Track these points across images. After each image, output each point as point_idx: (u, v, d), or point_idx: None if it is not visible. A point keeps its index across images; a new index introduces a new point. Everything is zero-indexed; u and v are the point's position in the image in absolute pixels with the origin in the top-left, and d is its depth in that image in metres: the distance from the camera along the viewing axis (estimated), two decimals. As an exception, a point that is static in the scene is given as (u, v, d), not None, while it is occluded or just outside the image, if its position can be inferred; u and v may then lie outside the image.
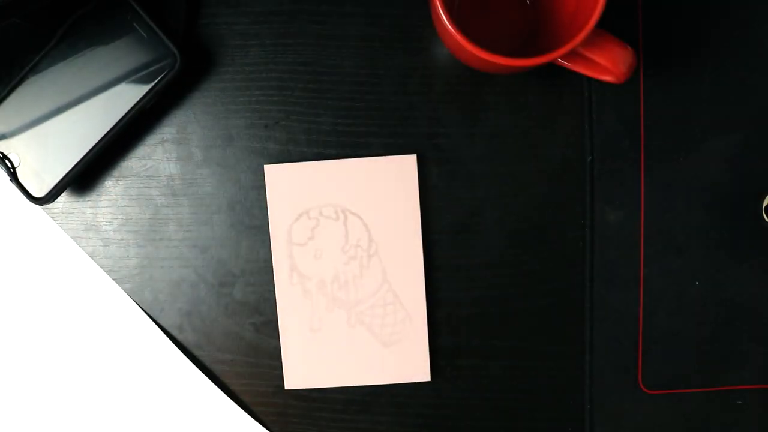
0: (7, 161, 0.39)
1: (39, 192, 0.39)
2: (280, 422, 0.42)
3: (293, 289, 0.41)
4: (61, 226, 0.42)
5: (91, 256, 0.42)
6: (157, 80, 0.38)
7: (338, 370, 0.41)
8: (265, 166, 0.40)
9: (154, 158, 0.42)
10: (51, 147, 0.39)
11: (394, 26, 0.41)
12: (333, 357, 0.41)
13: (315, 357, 0.41)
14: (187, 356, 0.42)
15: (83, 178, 0.42)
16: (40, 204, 0.39)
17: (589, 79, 0.41)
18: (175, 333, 0.42)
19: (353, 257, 0.40)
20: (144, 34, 0.38)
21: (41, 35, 0.39)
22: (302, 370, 0.41)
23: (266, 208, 0.41)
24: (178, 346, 0.42)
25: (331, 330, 0.41)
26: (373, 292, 0.41)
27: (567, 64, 0.37)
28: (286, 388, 0.41)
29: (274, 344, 0.42)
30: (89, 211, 0.42)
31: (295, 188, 0.40)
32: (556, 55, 0.33)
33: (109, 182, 0.42)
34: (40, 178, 0.39)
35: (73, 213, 0.42)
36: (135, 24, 0.38)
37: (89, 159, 0.39)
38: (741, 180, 0.42)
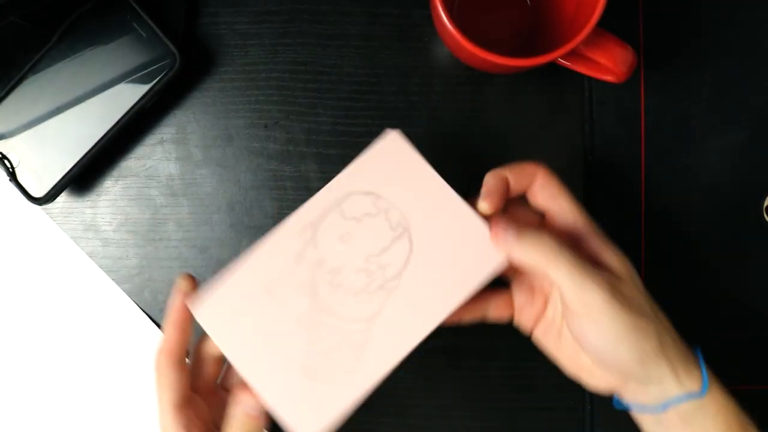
0: (6, 161, 0.39)
1: (38, 192, 0.39)
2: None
3: (293, 242, 0.34)
4: (60, 226, 0.42)
5: (90, 256, 0.42)
6: (156, 80, 0.38)
7: (246, 350, 0.33)
8: (392, 132, 0.34)
9: (153, 158, 0.42)
10: (50, 147, 0.39)
11: (394, 26, 0.41)
12: (255, 335, 0.33)
13: (242, 317, 0.33)
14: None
15: (82, 178, 0.41)
16: (40, 204, 0.39)
17: (589, 79, 0.41)
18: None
19: (369, 273, 0.34)
20: (143, 34, 0.38)
21: (41, 35, 0.39)
22: (221, 315, 0.33)
23: (267, 208, 0.41)
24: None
25: (279, 312, 0.33)
26: (349, 320, 0.33)
27: (567, 64, 0.37)
28: (193, 312, 0.33)
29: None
30: (88, 211, 0.42)
31: (394, 170, 0.34)
32: (556, 55, 0.33)
33: (109, 182, 0.42)
34: (40, 178, 0.39)
35: (72, 213, 0.42)
36: (134, 24, 0.38)
37: (89, 159, 0.39)
38: (741, 180, 0.42)
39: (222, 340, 0.33)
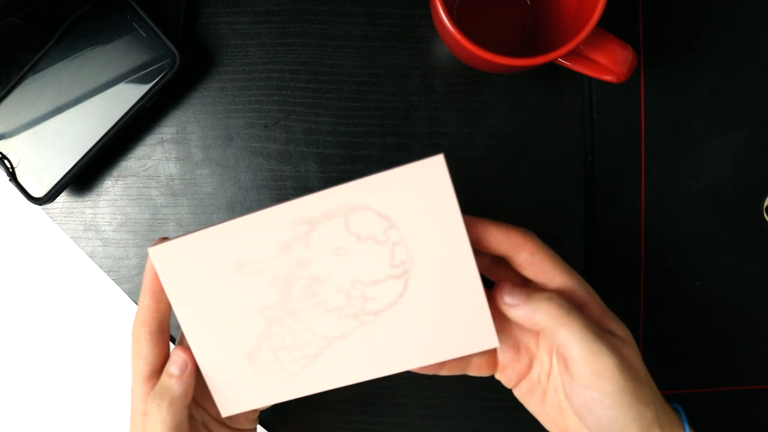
0: (6, 161, 0.39)
1: (38, 192, 0.39)
2: (280, 422, 0.42)
3: (281, 228, 0.30)
4: (60, 226, 0.42)
5: (90, 256, 0.42)
6: (156, 80, 0.38)
7: (195, 328, 0.32)
8: (150, 250, 0.30)
9: (153, 158, 0.42)
10: (50, 147, 0.39)
11: (394, 26, 0.41)
12: (215, 313, 0.31)
13: (206, 285, 0.31)
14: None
15: (82, 178, 0.41)
16: (40, 204, 0.39)
17: (589, 79, 0.41)
18: (174, 333, 0.42)
19: (348, 297, 0.31)
20: (143, 34, 0.38)
21: (41, 35, 0.39)
22: (182, 271, 0.31)
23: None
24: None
25: (245, 296, 0.31)
26: (313, 332, 0.31)
27: (567, 64, 0.37)
28: (149, 250, 0.31)
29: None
30: (89, 211, 0.42)
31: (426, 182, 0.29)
32: (556, 55, 0.33)
33: (109, 182, 0.42)
34: (40, 178, 0.39)
35: (72, 213, 0.42)
36: (134, 24, 0.38)
37: (89, 159, 0.39)
38: (741, 180, 0.42)
39: (172, 288, 0.31)
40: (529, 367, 0.34)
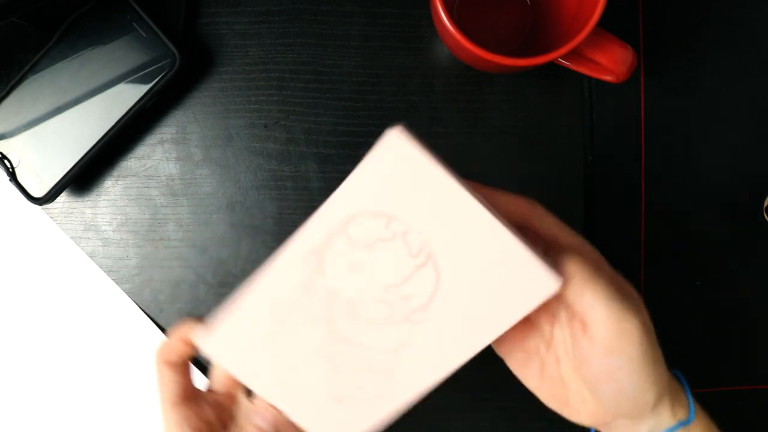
0: (6, 161, 0.39)
1: (38, 192, 0.39)
2: (279, 422, 0.42)
3: (298, 271, 0.29)
4: (60, 226, 0.42)
5: (90, 256, 0.42)
6: (156, 80, 0.38)
7: (266, 379, 0.31)
8: (395, 133, 0.27)
9: (153, 158, 0.42)
10: (50, 147, 0.39)
11: (394, 26, 0.41)
12: (273, 363, 0.31)
13: (255, 347, 0.30)
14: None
15: (83, 178, 0.41)
16: (40, 204, 0.39)
17: (589, 79, 0.41)
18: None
19: (389, 304, 0.29)
20: (143, 34, 0.38)
21: (41, 35, 0.39)
22: (234, 346, 0.30)
23: (267, 208, 0.41)
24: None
25: (294, 342, 0.30)
26: (375, 351, 0.30)
27: (567, 64, 0.37)
28: (201, 346, 0.31)
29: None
30: (89, 211, 0.42)
31: (408, 183, 0.28)
32: (556, 55, 0.33)
33: (109, 182, 0.42)
34: (40, 178, 0.39)
35: (72, 213, 0.42)
36: (134, 24, 0.38)
37: (89, 159, 0.39)
38: (741, 180, 0.42)
39: (238, 370, 0.31)
40: (525, 334, 0.32)
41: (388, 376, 0.30)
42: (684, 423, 0.30)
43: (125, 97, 0.39)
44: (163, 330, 0.42)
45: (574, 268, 0.27)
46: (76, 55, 0.39)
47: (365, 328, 0.29)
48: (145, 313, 0.42)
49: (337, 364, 0.30)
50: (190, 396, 0.32)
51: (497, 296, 0.28)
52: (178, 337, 0.32)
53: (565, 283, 0.27)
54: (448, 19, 0.33)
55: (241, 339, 0.30)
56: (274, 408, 0.31)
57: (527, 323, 0.32)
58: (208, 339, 0.30)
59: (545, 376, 0.32)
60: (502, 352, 0.33)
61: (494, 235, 0.27)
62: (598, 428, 0.31)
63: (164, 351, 0.32)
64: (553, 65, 0.36)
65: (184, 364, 0.33)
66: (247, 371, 0.31)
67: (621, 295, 0.27)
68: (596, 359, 0.28)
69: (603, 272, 0.27)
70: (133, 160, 0.42)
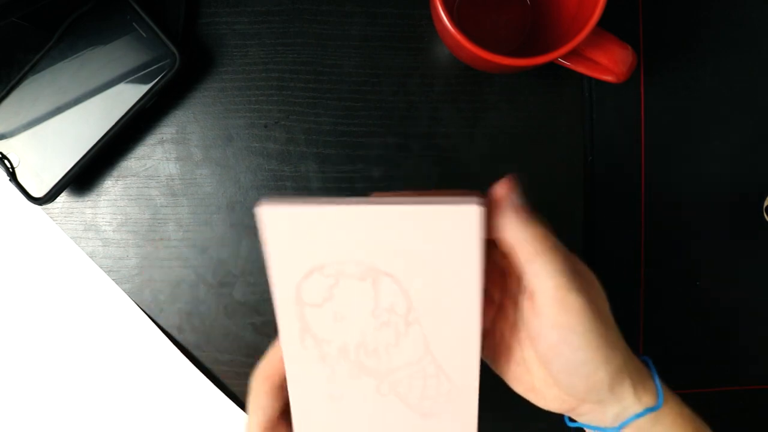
0: (6, 161, 0.39)
1: (38, 192, 0.39)
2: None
3: (306, 354, 0.31)
4: (60, 226, 0.42)
5: (90, 256, 0.42)
6: (156, 80, 0.38)
7: None
8: (262, 209, 0.28)
9: (153, 158, 0.42)
10: (50, 147, 0.39)
11: (394, 26, 0.41)
12: (357, 428, 0.33)
13: (335, 428, 0.33)
14: (186, 356, 0.42)
15: (83, 178, 0.41)
16: (40, 204, 0.39)
17: (589, 79, 0.41)
18: (174, 333, 0.42)
19: (386, 323, 0.31)
20: (143, 34, 0.38)
21: (41, 35, 0.39)
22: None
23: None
24: (177, 347, 0.42)
25: (357, 399, 0.32)
26: (411, 363, 0.32)
27: (567, 64, 0.37)
28: None
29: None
30: (89, 211, 0.42)
31: (304, 238, 0.29)
32: (556, 55, 0.33)
33: (109, 182, 0.42)
34: (40, 178, 0.39)
35: (72, 213, 0.42)
36: (134, 24, 0.38)
37: (89, 159, 0.39)
38: (741, 180, 0.42)
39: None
40: (493, 322, 0.33)
41: (442, 371, 0.32)
42: (652, 409, 0.30)
43: (125, 97, 0.39)
44: (163, 330, 0.42)
45: (537, 230, 0.29)
46: (76, 55, 0.39)
47: (390, 353, 0.31)
48: (145, 312, 0.42)
49: (402, 393, 0.32)
50: (278, 422, 0.32)
51: (448, 252, 0.29)
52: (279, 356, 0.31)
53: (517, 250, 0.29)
54: (448, 19, 0.33)
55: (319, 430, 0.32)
56: None
57: (493, 307, 0.33)
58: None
59: (511, 360, 0.33)
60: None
61: (401, 215, 0.28)
62: (567, 413, 0.32)
63: (267, 370, 0.31)
64: (553, 65, 0.36)
65: (282, 387, 0.32)
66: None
67: (571, 271, 0.28)
68: (542, 335, 0.29)
69: (557, 250, 0.29)
70: (133, 160, 0.42)
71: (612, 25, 0.34)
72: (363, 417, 0.32)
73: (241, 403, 0.42)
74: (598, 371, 0.29)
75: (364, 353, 0.31)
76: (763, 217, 0.42)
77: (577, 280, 0.28)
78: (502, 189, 0.30)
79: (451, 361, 0.32)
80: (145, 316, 0.42)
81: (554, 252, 0.28)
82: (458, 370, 0.32)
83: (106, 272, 0.42)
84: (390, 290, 0.30)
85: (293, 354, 0.31)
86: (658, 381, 0.31)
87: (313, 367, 0.31)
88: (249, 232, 0.42)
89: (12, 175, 0.39)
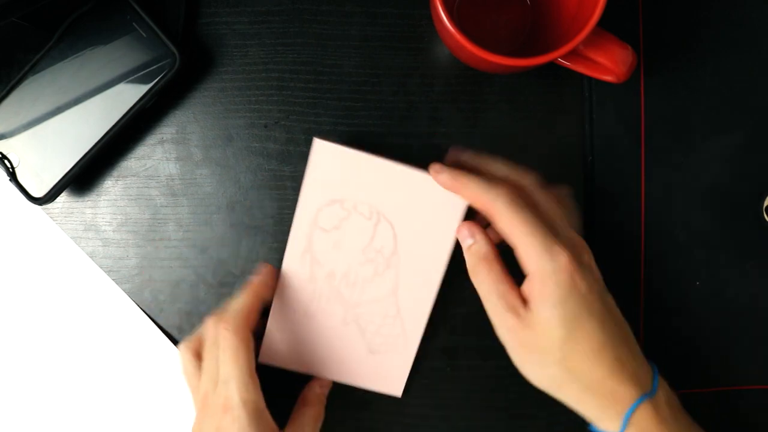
0: (6, 161, 0.39)
1: (38, 192, 0.39)
2: (281, 423, 0.42)
3: (301, 269, 0.39)
4: (60, 226, 0.42)
5: (90, 256, 0.42)
6: (156, 80, 0.38)
7: (316, 360, 0.40)
8: (316, 140, 0.37)
9: (153, 158, 0.42)
10: (50, 147, 0.39)
11: (394, 26, 0.41)
12: (316, 346, 0.40)
13: (298, 341, 0.40)
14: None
15: (83, 178, 0.41)
16: (40, 204, 0.39)
17: (589, 79, 0.41)
18: (174, 333, 0.42)
19: (371, 261, 0.39)
20: (143, 34, 0.38)
21: (41, 35, 0.39)
22: (281, 349, 0.40)
23: (267, 208, 0.41)
24: (177, 346, 0.42)
25: (324, 321, 0.39)
26: (378, 300, 0.39)
27: (567, 64, 0.37)
28: (258, 360, 0.39)
29: (273, 344, 0.42)
30: (89, 211, 0.42)
31: (339, 173, 0.37)
32: (556, 55, 0.33)
33: (109, 182, 0.42)
34: (40, 178, 0.39)
35: (72, 213, 0.42)
36: (134, 24, 0.38)
37: (89, 159, 0.39)
38: (741, 180, 0.42)
39: (293, 366, 0.41)
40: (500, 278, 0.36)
41: (400, 314, 0.39)
42: (649, 395, 0.33)
43: (125, 97, 0.39)
44: (163, 330, 0.42)
45: (501, 202, 0.34)
46: (76, 55, 0.39)
47: (364, 287, 0.39)
48: (145, 312, 0.42)
49: (361, 326, 0.40)
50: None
51: (437, 220, 0.38)
52: (254, 295, 0.37)
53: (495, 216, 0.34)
54: (448, 19, 0.33)
55: (285, 340, 0.40)
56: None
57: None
58: (261, 354, 0.40)
59: (516, 326, 0.35)
60: (482, 293, 0.36)
61: (413, 178, 0.37)
62: (553, 392, 0.35)
63: (244, 313, 0.36)
64: (553, 65, 0.36)
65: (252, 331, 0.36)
66: (299, 362, 0.40)
67: (547, 235, 0.33)
68: (532, 290, 0.33)
69: (530, 209, 0.34)
70: (133, 160, 0.42)
71: (612, 25, 0.34)
72: (323, 339, 0.40)
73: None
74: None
75: (345, 283, 0.39)
76: (763, 217, 0.42)
77: (558, 242, 0.33)
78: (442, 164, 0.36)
79: (409, 307, 0.39)
80: (145, 316, 0.42)
81: (524, 213, 0.33)
82: (412, 317, 0.40)
83: (106, 272, 0.42)
84: (385, 234, 0.38)
85: (291, 266, 0.39)
86: (656, 373, 0.34)
87: (302, 283, 0.39)
88: (249, 232, 0.42)
89: (12, 175, 0.39)
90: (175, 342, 0.42)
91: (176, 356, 0.42)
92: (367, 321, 0.39)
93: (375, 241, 0.38)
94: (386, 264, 0.39)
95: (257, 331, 0.37)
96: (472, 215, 0.38)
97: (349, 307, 0.39)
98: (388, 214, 0.38)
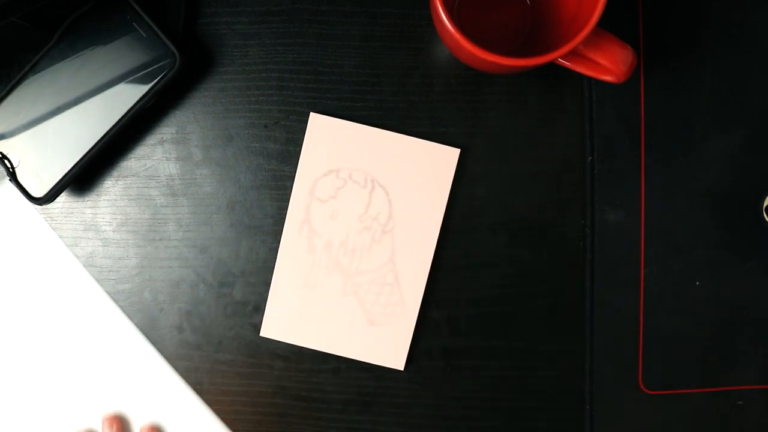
0: (6, 161, 0.39)
1: (38, 192, 0.39)
2: (280, 422, 0.42)
3: (299, 241, 0.40)
4: (60, 226, 0.42)
5: (90, 257, 0.42)
6: (156, 80, 0.38)
7: (317, 333, 0.41)
8: (312, 114, 0.39)
9: (153, 158, 0.42)
10: (50, 147, 0.39)
11: (394, 26, 0.41)
12: (316, 319, 0.41)
13: (299, 313, 0.41)
14: (185, 356, 0.42)
15: (83, 178, 0.42)
16: (40, 204, 0.39)
17: (589, 79, 0.41)
18: (174, 333, 0.42)
19: (368, 228, 0.40)
20: (143, 34, 0.38)
21: (41, 35, 0.39)
22: (283, 322, 0.41)
23: (267, 208, 0.41)
24: (177, 346, 0.42)
25: (324, 292, 0.41)
26: (376, 268, 0.40)
27: (567, 64, 0.37)
28: (260, 334, 0.41)
29: (273, 344, 0.42)
30: (89, 211, 0.42)
31: (333, 144, 0.40)
32: (556, 55, 0.33)
33: (109, 182, 0.42)
34: (40, 178, 0.39)
35: (72, 213, 0.42)
36: (135, 24, 0.38)
37: (89, 159, 0.39)
38: (741, 180, 0.42)
39: (294, 339, 0.41)
40: None
41: (398, 281, 0.41)
42: None
43: (125, 97, 0.39)
44: (163, 330, 0.42)
45: None
46: (76, 55, 0.39)
47: (362, 255, 0.40)
48: (138, 330, 0.42)
49: (360, 295, 0.41)
50: None
51: (430, 180, 0.40)
52: None
53: None
54: (448, 20, 0.33)
55: (285, 314, 0.41)
56: None
57: None
58: (263, 328, 0.41)
59: None
60: None
61: (404, 144, 0.40)
62: None
63: None
64: (553, 65, 0.36)
65: None
66: (301, 335, 0.41)
67: None
68: None
69: None
70: (133, 160, 0.42)
71: (612, 25, 0.34)
72: (323, 309, 0.41)
73: (243, 403, 0.42)
74: None
75: (343, 252, 0.40)
76: (763, 217, 0.42)
77: None
78: None
79: (407, 275, 0.41)
80: (137, 331, 0.42)
81: None
82: (410, 284, 0.41)
83: (106, 272, 0.42)
84: (380, 200, 0.40)
85: (290, 238, 0.40)
86: None
87: (301, 254, 0.40)
88: (249, 232, 0.42)
89: (12, 175, 0.39)
90: (175, 342, 0.42)
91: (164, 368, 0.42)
92: (366, 290, 0.40)
93: (371, 209, 0.40)
94: (382, 231, 0.40)
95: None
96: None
97: (348, 277, 0.40)
98: (382, 180, 0.40)
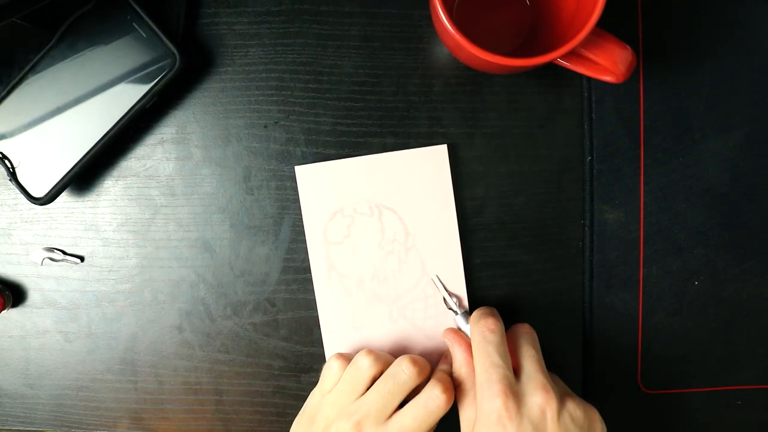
0: (6, 161, 0.39)
1: (38, 192, 0.39)
2: (281, 422, 0.42)
3: (332, 289, 0.40)
4: (60, 226, 0.42)
5: (90, 256, 0.42)
6: (156, 80, 0.38)
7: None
8: (296, 168, 0.40)
9: (153, 158, 0.42)
10: (51, 147, 0.39)
11: (394, 26, 0.41)
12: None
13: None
14: (185, 356, 0.42)
15: (83, 178, 0.42)
16: (40, 204, 0.39)
17: (589, 79, 0.41)
18: (174, 333, 0.42)
19: (391, 252, 0.40)
20: (143, 34, 0.38)
21: (41, 35, 0.39)
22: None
23: (267, 208, 0.41)
24: (177, 346, 0.42)
25: (375, 327, 0.40)
26: (414, 285, 0.40)
27: (567, 64, 0.37)
28: None
29: (273, 344, 0.42)
30: (89, 211, 0.42)
31: (327, 187, 0.40)
32: (556, 55, 0.33)
33: (109, 182, 0.42)
34: (40, 178, 0.39)
35: (72, 213, 0.42)
36: (135, 24, 0.38)
37: (89, 159, 0.39)
38: (740, 180, 0.42)
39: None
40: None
41: (438, 292, 0.41)
42: None
43: (125, 97, 0.39)
44: (163, 329, 0.42)
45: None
46: (76, 55, 0.39)
47: (395, 279, 0.40)
48: (138, 329, 0.42)
49: (409, 317, 0.41)
50: None
51: (430, 183, 0.40)
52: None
53: None
54: (447, 20, 0.33)
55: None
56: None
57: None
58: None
59: None
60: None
61: (392, 161, 0.40)
62: None
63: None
64: (553, 65, 0.36)
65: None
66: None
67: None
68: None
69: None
70: (133, 160, 0.42)
71: (612, 25, 0.34)
72: (381, 343, 0.41)
73: (243, 403, 0.42)
74: None
75: (376, 283, 0.40)
76: (763, 217, 0.42)
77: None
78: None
79: (444, 277, 0.40)
80: (144, 317, 0.42)
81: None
82: (451, 285, 0.40)
83: (106, 272, 0.42)
84: (392, 221, 0.40)
85: (323, 291, 0.40)
86: None
87: (339, 300, 0.40)
88: (249, 232, 0.42)
89: (12, 175, 0.39)
90: (175, 342, 0.42)
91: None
92: (413, 309, 0.40)
93: (386, 233, 0.40)
94: (405, 249, 0.40)
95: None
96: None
97: (390, 304, 0.40)
98: (387, 202, 0.40)
